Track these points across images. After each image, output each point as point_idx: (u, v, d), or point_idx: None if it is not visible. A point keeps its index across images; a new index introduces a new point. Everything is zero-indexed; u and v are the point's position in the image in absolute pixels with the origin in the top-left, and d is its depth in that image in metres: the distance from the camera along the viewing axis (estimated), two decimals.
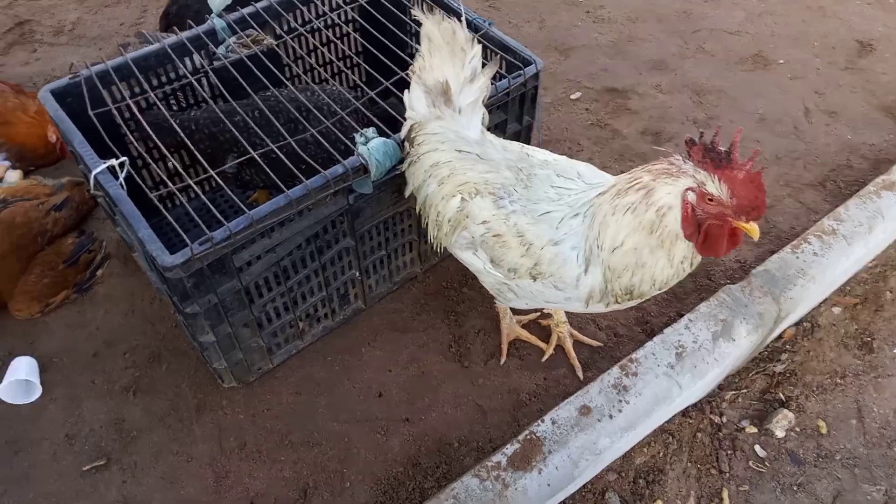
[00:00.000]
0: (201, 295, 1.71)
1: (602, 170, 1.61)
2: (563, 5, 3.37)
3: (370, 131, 1.83)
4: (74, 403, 2.05)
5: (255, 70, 2.03)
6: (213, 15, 2.14)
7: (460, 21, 1.62)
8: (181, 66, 2.06)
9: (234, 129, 1.89)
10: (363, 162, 1.75)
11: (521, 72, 1.96)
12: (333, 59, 2.39)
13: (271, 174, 1.86)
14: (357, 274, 2.10)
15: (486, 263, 1.68)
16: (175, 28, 3.04)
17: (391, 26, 2.21)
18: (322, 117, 1.98)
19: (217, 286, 1.72)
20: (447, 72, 1.62)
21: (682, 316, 2.10)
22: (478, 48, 1.62)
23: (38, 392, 2.05)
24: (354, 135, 1.82)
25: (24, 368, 2.06)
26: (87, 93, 1.92)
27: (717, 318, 2.04)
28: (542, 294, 1.62)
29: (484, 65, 1.65)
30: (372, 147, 1.77)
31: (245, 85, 1.99)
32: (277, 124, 1.94)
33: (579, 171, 1.60)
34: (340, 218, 1.88)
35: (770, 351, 2.26)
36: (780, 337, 2.28)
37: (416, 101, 1.70)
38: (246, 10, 2.17)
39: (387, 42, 2.15)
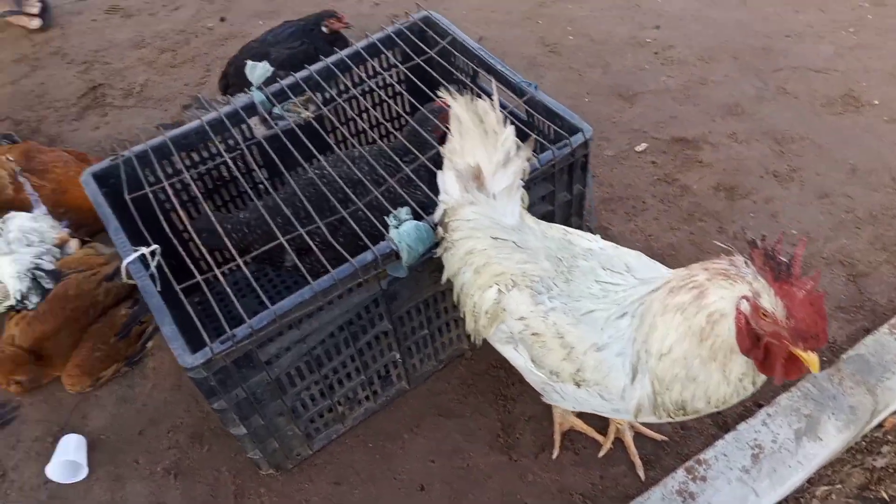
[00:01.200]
0: (228, 390, 1.64)
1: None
2: (629, 46, 3.18)
3: (403, 212, 1.72)
4: (118, 485, 2.03)
5: (301, 137, 1.99)
6: (252, 88, 2.11)
7: (492, 99, 1.50)
8: (216, 144, 2.03)
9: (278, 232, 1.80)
10: (394, 247, 1.65)
11: (567, 141, 1.81)
12: (381, 120, 2.31)
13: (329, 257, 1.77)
14: (398, 356, 1.99)
15: (527, 361, 1.53)
16: (231, 91, 3.10)
17: (437, 80, 2.11)
18: (354, 197, 1.89)
19: (244, 380, 1.65)
20: (479, 155, 1.50)
21: (760, 407, 1.86)
22: (510, 130, 1.48)
23: (84, 472, 2.05)
24: (387, 217, 1.73)
25: (72, 447, 2.06)
26: (126, 175, 1.92)
27: (800, 413, 1.80)
28: (588, 402, 1.45)
29: (519, 145, 1.51)
30: (403, 232, 1.66)
31: (278, 162, 1.93)
32: (316, 216, 1.84)
33: (628, 262, 1.43)
34: (375, 303, 1.78)
35: (869, 442, 1.98)
36: (880, 426, 2.00)
37: (448, 185, 1.58)
38: (285, 83, 2.12)
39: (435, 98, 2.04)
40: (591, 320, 1.37)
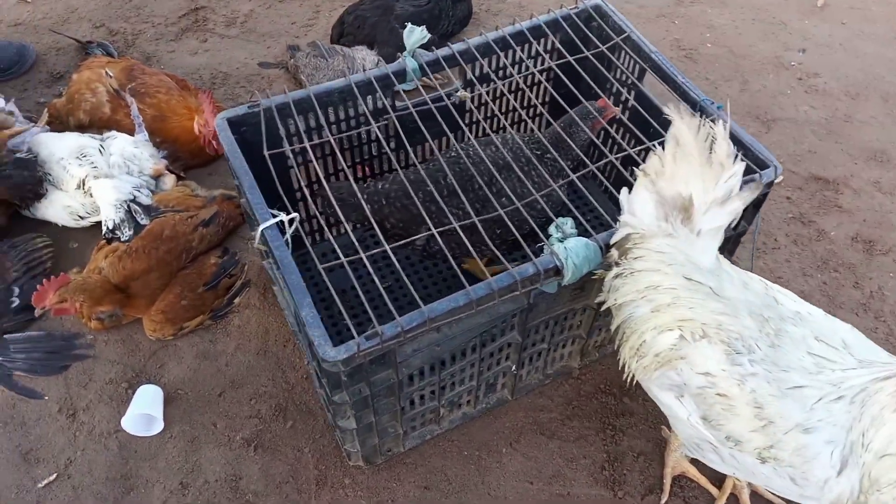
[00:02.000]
0: (353, 384, 1.50)
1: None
2: (772, 66, 2.96)
3: (568, 225, 1.56)
4: (193, 447, 1.91)
5: (436, 116, 1.82)
6: (405, 54, 1.93)
7: (723, 127, 1.32)
8: (365, 108, 1.86)
9: (420, 207, 1.65)
10: (557, 263, 1.49)
11: (757, 175, 1.63)
12: (518, 107, 2.13)
13: (465, 244, 1.63)
14: (514, 367, 1.85)
15: (692, 415, 1.38)
16: (344, 41, 2.91)
17: (590, 80, 1.93)
18: (507, 188, 1.73)
19: (371, 376, 1.51)
20: (694, 186, 1.33)
21: None
22: (740, 167, 1.31)
23: (159, 427, 1.93)
24: (550, 227, 1.57)
25: (149, 399, 1.94)
26: (265, 126, 1.76)
27: None
28: (766, 478, 1.30)
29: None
30: (570, 248, 1.50)
31: (403, 136, 1.77)
32: (464, 200, 1.69)
33: (844, 338, 1.27)
34: (512, 313, 1.63)
35: None
36: None
37: (640, 208, 1.42)
38: (441, 52, 1.94)
39: (580, 96, 1.86)
40: (799, 397, 1.21)
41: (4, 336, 2.09)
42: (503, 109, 2.25)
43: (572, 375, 2.04)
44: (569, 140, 1.78)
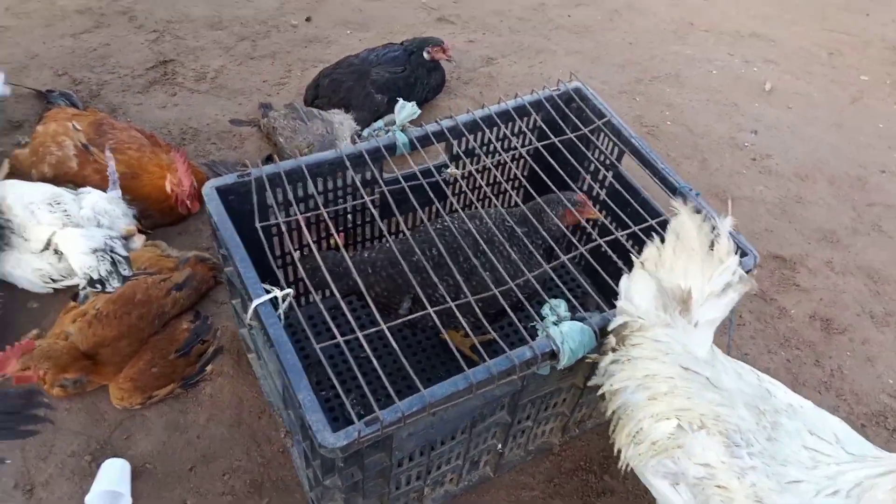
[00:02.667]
0: (347, 468, 1.47)
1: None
2: (728, 147, 3.13)
3: (562, 307, 1.59)
4: None
5: (425, 187, 1.85)
6: (395, 128, 1.95)
7: (727, 224, 1.39)
8: (355, 179, 1.86)
9: (408, 273, 1.67)
10: (553, 347, 1.51)
11: (751, 268, 1.71)
12: (502, 181, 2.18)
13: (449, 314, 1.63)
14: (500, 446, 1.84)
15: None
16: (318, 104, 2.92)
17: (570, 157, 1.99)
18: (496, 260, 1.76)
19: (365, 459, 1.48)
20: (693, 279, 1.38)
21: None
22: (735, 260, 1.37)
23: (128, 502, 1.82)
24: (544, 309, 1.59)
25: (115, 475, 1.83)
26: (255, 195, 1.74)
27: None
28: None
29: (741, 276, 1.40)
30: (566, 332, 1.52)
31: (393, 207, 1.79)
32: (454, 270, 1.72)
33: (836, 431, 1.33)
34: (506, 395, 1.64)
35: None
36: None
37: (638, 297, 1.46)
38: (430, 128, 1.97)
39: (559, 170, 1.93)
40: (798, 491, 1.25)
41: None
42: (488, 181, 2.30)
43: (553, 451, 2.05)
44: (537, 224, 1.82)
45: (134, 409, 2.01)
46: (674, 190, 1.91)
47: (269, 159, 2.75)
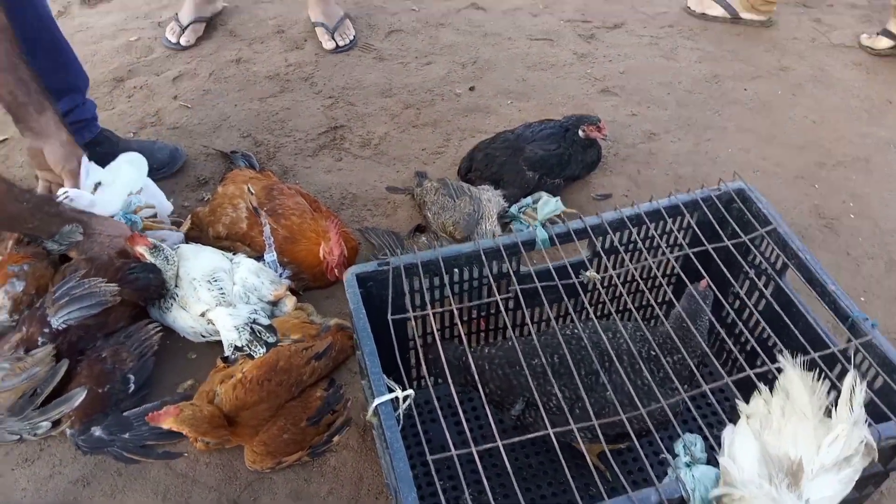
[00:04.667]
0: None
1: None
2: None
3: (697, 447, 1.45)
4: None
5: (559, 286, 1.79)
6: (536, 223, 1.92)
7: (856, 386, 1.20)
8: (489, 273, 1.85)
9: (528, 377, 1.63)
10: (683, 493, 1.37)
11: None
12: (643, 286, 2.06)
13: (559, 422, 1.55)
14: None
15: None
16: (470, 177, 2.96)
17: (721, 265, 1.84)
18: (626, 378, 1.65)
19: None
20: (803, 447, 1.21)
21: None
22: (860, 432, 1.18)
23: None
24: (677, 445, 1.46)
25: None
26: (387, 285, 1.77)
27: None
28: None
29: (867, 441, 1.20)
30: (699, 478, 1.38)
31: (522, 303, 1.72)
32: (577, 375, 1.65)
33: None
34: None
35: None
36: None
37: (741, 456, 1.30)
38: (572, 225, 1.91)
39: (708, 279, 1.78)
40: None
41: (124, 414, 2.19)
42: (626, 281, 2.19)
43: None
44: (681, 345, 1.69)
45: (264, 472, 2.10)
46: (845, 317, 1.69)
47: (418, 229, 2.83)
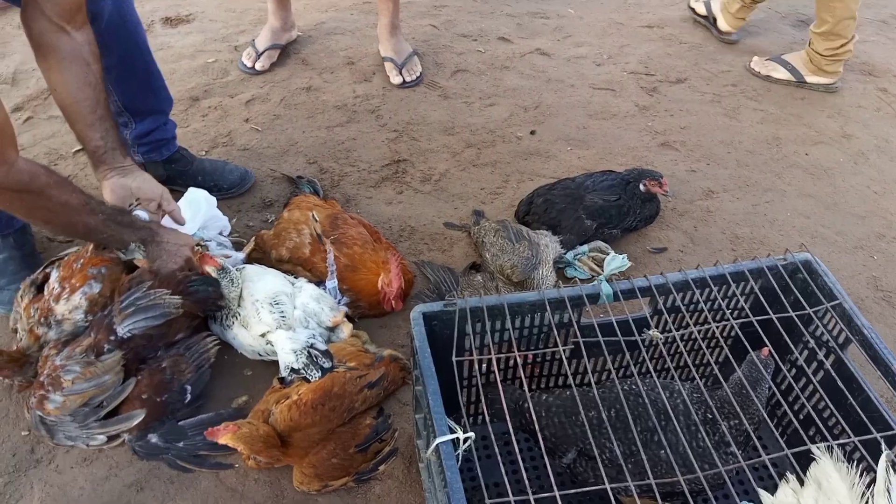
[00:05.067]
0: None
1: None
2: None
3: None
4: None
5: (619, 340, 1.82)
6: (601, 278, 1.96)
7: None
8: (552, 322, 1.88)
9: (586, 426, 1.65)
10: None
11: None
12: (702, 346, 2.06)
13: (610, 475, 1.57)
14: None
15: None
16: (527, 220, 3.01)
17: (782, 330, 1.85)
18: (681, 433, 1.67)
19: None
20: None
21: None
22: None
23: None
24: None
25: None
26: (449, 327, 1.82)
27: None
28: None
29: None
30: None
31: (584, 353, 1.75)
32: (634, 430, 1.67)
33: None
34: None
35: None
36: None
37: None
38: (637, 283, 1.94)
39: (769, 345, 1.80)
40: None
41: (180, 423, 2.27)
42: (687, 341, 2.20)
43: None
44: (740, 412, 1.70)
45: (310, 493, 2.15)
46: None
47: (472, 267, 2.88)
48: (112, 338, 2.28)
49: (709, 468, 1.61)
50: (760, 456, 1.56)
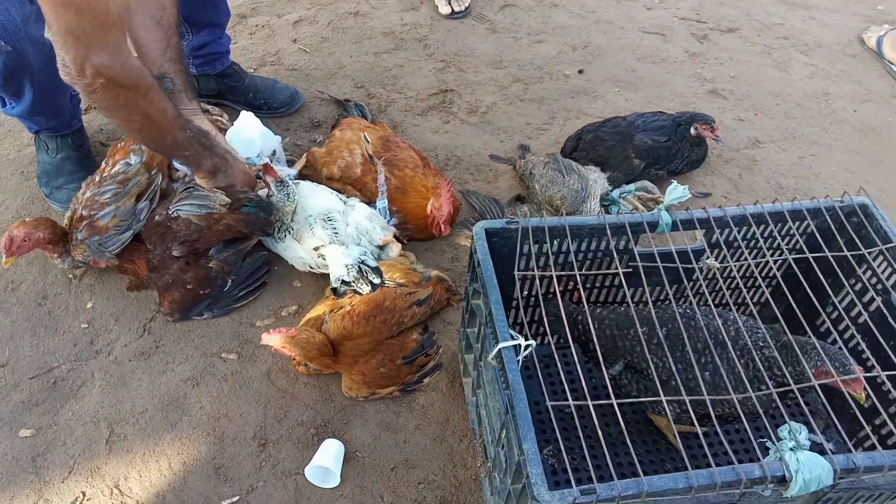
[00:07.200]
0: None
1: None
2: None
3: (802, 434, 1.51)
4: None
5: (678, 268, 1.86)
6: (661, 206, 1.98)
7: None
8: (612, 247, 1.92)
9: (641, 339, 1.71)
10: (785, 473, 1.45)
11: None
12: (761, 281, 2.10)
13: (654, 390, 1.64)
14: None
15: None
16: (575, 156, 3.02)
17: (837, 268, 1.88)
18: (737, 359, 1.73)
19: None
20: None
21: None
22: None
23: (335, 482, 2.05)
24: (782, 430, 1.53)
25: (332, 454, 2.06)
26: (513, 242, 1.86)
27: None
28: None
29: None
30: (803, 462, 1.45)
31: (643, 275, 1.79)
32: (689, 349, 1.72)
33: None
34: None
35: None
36: None
37: None
38: (696, 214, 1.97)
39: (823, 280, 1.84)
40: None
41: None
42: (742, 276, 2.22)
43: None
44: (783, 365, 1.72)
45: (358, 399, 2.24)
46: None
47: (518, 199, 2.91)
48: (165, 212, 2.44)
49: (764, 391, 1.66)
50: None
